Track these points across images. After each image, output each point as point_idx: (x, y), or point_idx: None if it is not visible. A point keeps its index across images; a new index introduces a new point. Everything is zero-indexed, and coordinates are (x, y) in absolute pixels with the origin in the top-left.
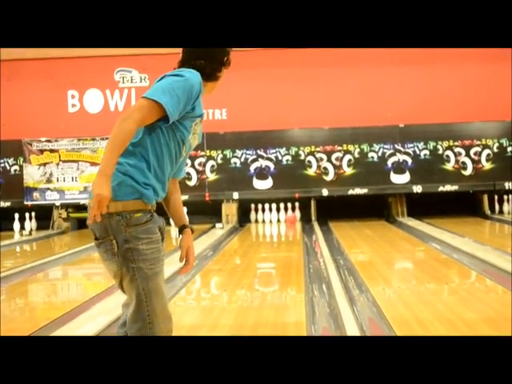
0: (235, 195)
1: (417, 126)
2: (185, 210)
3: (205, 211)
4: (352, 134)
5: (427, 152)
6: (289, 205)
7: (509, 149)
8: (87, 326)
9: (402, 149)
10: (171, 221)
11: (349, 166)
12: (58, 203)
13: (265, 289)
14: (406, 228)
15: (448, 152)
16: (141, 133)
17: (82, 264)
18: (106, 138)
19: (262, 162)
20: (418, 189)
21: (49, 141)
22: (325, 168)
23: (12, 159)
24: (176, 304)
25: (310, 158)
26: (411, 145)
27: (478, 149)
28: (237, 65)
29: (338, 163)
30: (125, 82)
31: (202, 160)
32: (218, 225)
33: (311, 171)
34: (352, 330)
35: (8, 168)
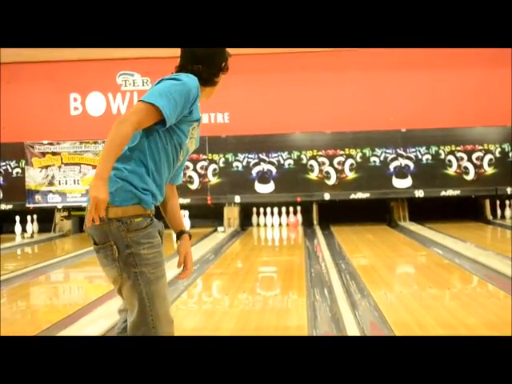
0: (237, 199)
1: (419, 130)
2: (187, 213)
3: (207, 215)
4: (354, 138)
5: (429, 157)
6: (290, 209)
7: (511, 154)
8: (89, 328)
9: (404, 153)
10: None
11: (351, 170)
12: (59, 206)
13: (266, 293)
14: (407, 233)
15: (450, 157)
16: (138, 137)
17: (84, 267)
18: None
19: (263, 166)
20: (419, 193)
21: (51, 144)
22: (327, 172)
23: (14, 162)
24: (178, 307)
25: (312, 162)
26: (413, 149)
27: (480, 154)
28: (239, 69)
29: (340, 167)
30: (127, 86)
31: (204, 163)
32: (220, 228)
33: (313, 175)
34: (354, 334)
35: (10, 171)
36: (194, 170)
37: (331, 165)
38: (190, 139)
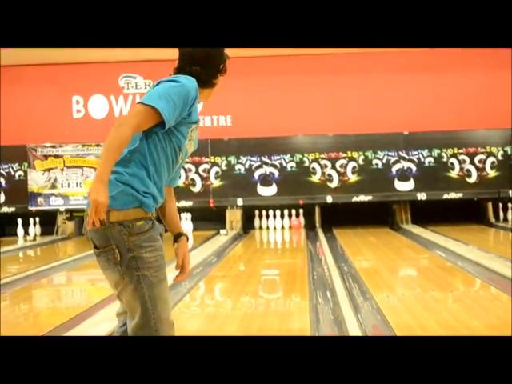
0: (239, 201)
1: (421, 133)
2: (189, 216)
3: (209, 217)
4: (356, 141)
5: (432, 159)
6: (293, 211)
7: None
8: (91, 331)
9: (406, 156)
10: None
11: (353, 173)
12: (62, 209)
13: (269, 295)
14: (410, 235)
15: (452, 159)
16: (137, 139)
17: (86, 270)
18: None
19: (266, 169)
20: (422, 196)
21: (53, 146)
22: (329, 175)
23: (16, 164)
24: (180, 310)
25: (315, 164)
26: (416, 152)
27: (483, 156)
28: (242, 72)
29: (342, 170)
30: (129, 88)
31: (207, 166)
32: (222, 231)
33: (315, 178)
34: None
35: (12, 173)
36: (197, 172)
37: (333, 167)
38: (189, 141)
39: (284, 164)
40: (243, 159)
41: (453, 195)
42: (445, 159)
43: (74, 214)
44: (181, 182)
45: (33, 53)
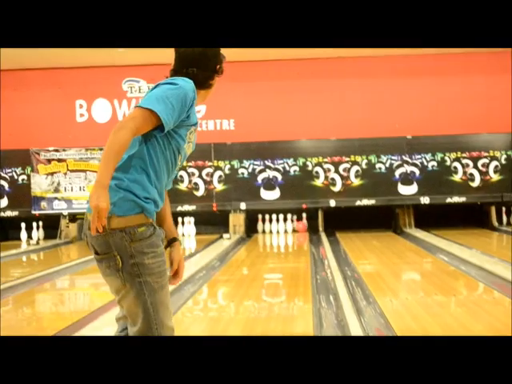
0: (242, 205)
1: (424, 137)
2: (192, 220)
3: (212, 221)
4: (360, 145)
5: (435, 163)
6: (296, 216)
7: None
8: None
9: (409, 160)
10: (178, 231)
11: (356, 177)
12: (65, 213)
13: (272, 299)
14: (413, 239)
15: (456, 163)
16: (137, 143)
17: (89, 274)
18: None
19: (269, 173)
20: (425, 200)
21: (56, 150)
22: (332, 179)
23: (20, 168)
24: (183, 314)
25: (318, 168)
26: (419, 156)
27: (486, 160)
28: (245, 76)
29: (345, 174)
30: (133, 92)
31: (210, 170)
32: (226, 235)
33: (319, 182)
34: None
35: (16, 177)
36: (200, 176)
37: (337, 171)
38: (188, 143)
39: (287, 168)
40: (246, 163)
41: (456, 199)
42: (448, 163)
43: (77, 217)
44: (184, 186)
45: (36, 57)
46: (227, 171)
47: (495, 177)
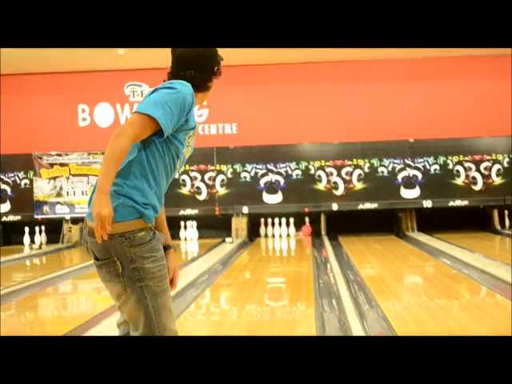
0: (245, 209)
1: (427, 140)
2: (194, 224)
3: (215, 225)
4: (362, 148)
5: (437, 167)
6: (299, 219)
7: None
8: None
9: (412, 163)
10: (181, 235)
11: (359, 180)
12: (67, 217)
13: (275, 303)
14: (415, 243)
15: (458, 167)
16: (135, 149)
17: (92, 278)
18: None
19: (271, 177)
20: (428, 204)
21: (59, 155)
22: (335, 182)
23: (22, 173)
24: (186, 319)
25: (320, 172)
26: (421, 159)
27: (488, 164)
28: (247, 80)
29: (347, 178)
30: (135, 96)
31: (212, 174)
32: (228, 239)
33: (321, 186)
34: None
35: (18, 182)
36: (202, 180)
37: (339, 175)
38: (187, 147)
39: (290, 172)
40: (249, 167)
41: (458, 202)
42: (450, 166)
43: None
44: (186, 190)
45: (39, 61)
46: (229, 175)
47: (498, 180)
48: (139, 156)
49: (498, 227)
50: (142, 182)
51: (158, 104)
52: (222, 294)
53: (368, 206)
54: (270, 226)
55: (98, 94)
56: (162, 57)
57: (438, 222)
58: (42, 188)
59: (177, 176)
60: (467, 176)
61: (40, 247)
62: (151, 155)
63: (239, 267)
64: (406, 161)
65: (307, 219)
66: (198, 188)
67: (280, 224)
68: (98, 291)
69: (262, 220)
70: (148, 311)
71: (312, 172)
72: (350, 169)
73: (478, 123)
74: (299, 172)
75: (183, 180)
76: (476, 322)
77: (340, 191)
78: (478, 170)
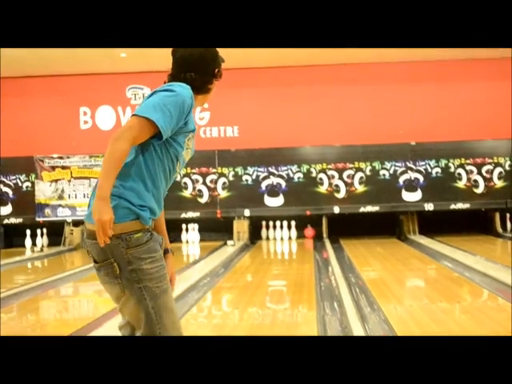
0: (246, 212)
1: (428, 143)
2: (196, 226)
3: (216, 228)
4: (363, 151)
5: (439, 170)
6: (300, 222)
7: None
8: None
9: (413, 166)
10: (182, 237)
11: (360, 183)
12: (69, 220)
13: (276, 306)
14: (417, 246)
15: (460, 170)
16: (133, 152)
17: (93, 281)
18: None
19: (273, 180)
20: (429, 207)
21: (61, 157)
22: (336, 185)
23: (24, 176)
24: (187, 321)
25: (322, 175)
26: (423, 162)
27: (490, 167)
28: (249, 83)
29: (349, 181)
30: (137, 99)
31: (214, 177)
32: (230, 242)
33: (323, 189)
34: None
35: (20, 184)
36: (204, 183)
37: (341, 178)
38: (186, 150)
39: (291, 175)
40: (250, 170)
41: (460, 205)
42: (452, 169)
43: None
44: (188, 193)
45: (40, 64)
46: (231, 178)
47: (499, 183)
48: (137, 158)
49: (500, 230)
50: (139, 184)
51: (157, 107)
52: (224, 297)
53: (370, 208)
54: (271, 229)
55: (100, 97)
56: (163, 59)
57: (439, 224)
58: (43, 191)
59: (178, 179)
60: (469, 179)
61: (41, 250)
62: (149, 158)
63: (241, 270)
64: (407, 164)
65: (309, 222)
66: (200, 191)
67: (281, 227)
68: (99, 294)
69: (264, 223)
70: (148, 312)
71: (313, 175)
72: (351, 172)
73: (479, 126)
74: (301, 175)
75: (185, 183)
76: (478, 325)
77: (342, 194)
78: (479, 173)
